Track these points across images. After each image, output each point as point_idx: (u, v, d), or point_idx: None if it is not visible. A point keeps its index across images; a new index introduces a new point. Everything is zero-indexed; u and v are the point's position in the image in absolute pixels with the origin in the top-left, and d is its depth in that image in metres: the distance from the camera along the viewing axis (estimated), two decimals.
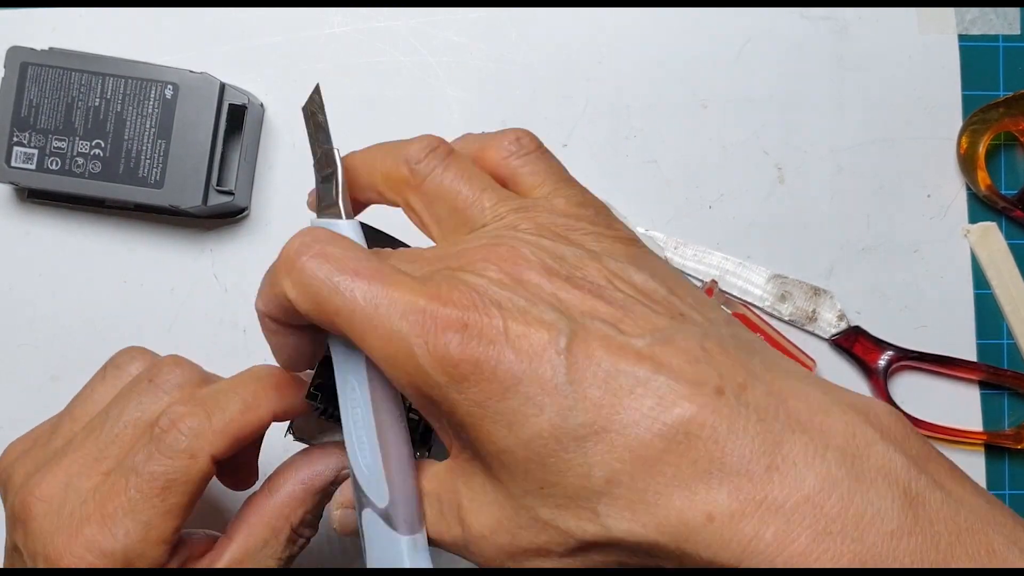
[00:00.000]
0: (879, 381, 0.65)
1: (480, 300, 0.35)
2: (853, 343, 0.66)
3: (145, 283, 0.66)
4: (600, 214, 0.42)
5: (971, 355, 0.67)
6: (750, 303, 0.67)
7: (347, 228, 0.40)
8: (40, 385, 0.66)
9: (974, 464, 0.66)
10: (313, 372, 0.45)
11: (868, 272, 0.67)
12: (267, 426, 0.45)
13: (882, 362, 0.66)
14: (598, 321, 0.34)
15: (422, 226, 0.43)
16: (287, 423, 0.48)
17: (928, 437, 0.65)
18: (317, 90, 0.43)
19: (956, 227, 0.67)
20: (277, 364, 0.44)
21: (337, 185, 0.41)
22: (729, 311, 0.65)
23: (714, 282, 0.66)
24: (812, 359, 0.65)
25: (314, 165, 0.43)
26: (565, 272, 0.36)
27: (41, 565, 0.43)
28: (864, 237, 0.67)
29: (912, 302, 0.67)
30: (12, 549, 0.46)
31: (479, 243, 0.38)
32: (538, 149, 0.44)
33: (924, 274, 0.67)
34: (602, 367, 0.33)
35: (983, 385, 0.67)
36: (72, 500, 0.44)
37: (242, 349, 0.65)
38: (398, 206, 0.44)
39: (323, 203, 0.42)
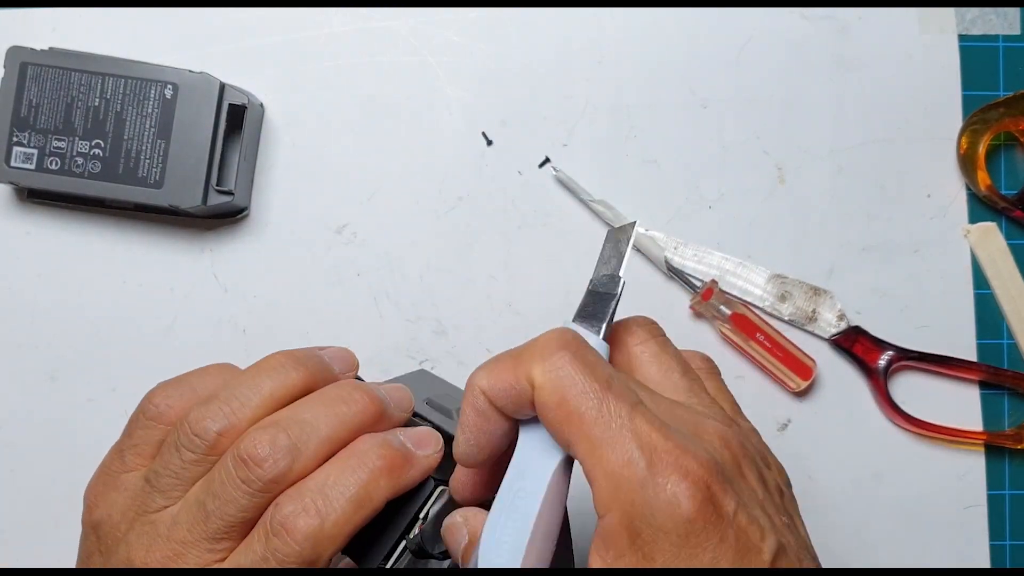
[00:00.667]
0: (879, 381, 0.65)
1: (721, 475, 0.36)
2: (853, 343, 0.66)
3: (144, 283, 0.66)
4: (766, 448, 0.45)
5: (971, 355, 0.67)
6: (750, 303, 0.66)
7: (600, 347, 0.41)
8: (39, 384, 0.66)
9: (974, 464, 0.66)
10: None
11: (868, 272, 0.67)
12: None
13: (882, 362, 0.65)
14: (790, 548, 0.37)
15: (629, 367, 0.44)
16: None
17: (928, 437, 0.66)
18: (633, 225, 0.45)
19: (956, 227, 0.67)
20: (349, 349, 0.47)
21: (612, 309, 0.43)
22: (729, 311, 0.65)
23: (714, 282, 0.65)
24: (812, 359, 0.65)
25: (594, 280, 0.44)
26: (767, 488, 0.39)
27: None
28: (864, 237, 0.67)
29: (912, 302, 0.67)
30: None
31: (712, 422, 0.39)
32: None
33: (924, 274, 0.67)
34: None
35: (983, 385, 0.67)
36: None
37: (241, 349, 0.65)
38: None
39: (585, 312, 0.43)
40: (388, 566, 0.43)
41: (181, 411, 0.45)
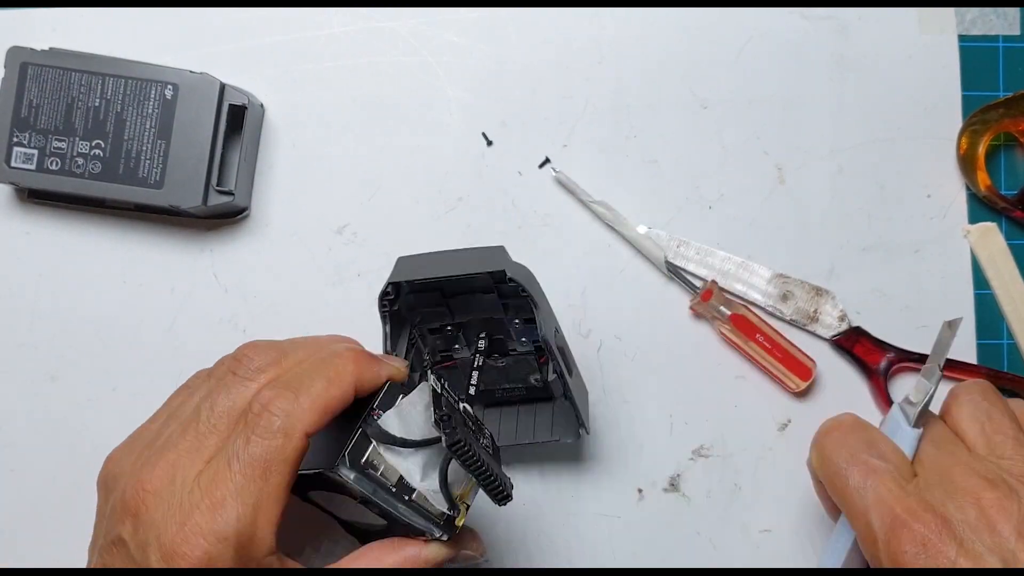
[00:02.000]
0: (879, 381, 0.65)
1: (945, 531, 0.45)
2: (854, 344, 0.66)
3: (145, 283, 0.66)
4: None
5: (971, 356, 0.67)
6: (752, 303, 0.66)
7: (910, 435, 0.51)
8: (40, 385, 0.66)
9: None
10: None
11: (869, 272, 0.67)
12: (351, 398, 0.48)
13: (883, 363, 0.65)
14: None
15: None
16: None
17: None
18: (959, 321, 0.53)
19: (956, 227, 0.67)
20: (346, 335, 0.53)
21: (926, 400, 0.51)
22: (728, 312, 0.65)
23: (714, 283, 0.66)
24: (812, 360, 0.65)
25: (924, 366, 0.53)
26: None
27: (154, 553, 0.45)
28: (865, 237, 0.67)
29: (912, 302, 0.67)
30: (114, 542, 0.47)
31: (975, 477, 0.47)
32: None
33: (924, 274, 0.67)
34: None
35: None
36: (180, 490, 0.45)
37: None
38: None
39: (908, 399, 0.53)
40: (346, 452, 0.47)
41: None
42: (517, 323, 0.58)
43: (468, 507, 0.50)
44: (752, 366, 0.66)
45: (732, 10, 0.68)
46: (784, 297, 0.67)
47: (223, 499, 0.44)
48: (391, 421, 0.49)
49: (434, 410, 0.47)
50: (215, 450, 0.46)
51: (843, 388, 0.67)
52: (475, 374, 0.55)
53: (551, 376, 0.59)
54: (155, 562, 0.45)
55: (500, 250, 0.56)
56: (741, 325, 0.65)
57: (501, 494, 0.50)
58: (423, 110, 0.67)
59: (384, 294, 0.53)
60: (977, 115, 0.66)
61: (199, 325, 0.66)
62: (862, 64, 0.68)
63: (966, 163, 0.67)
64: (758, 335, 0.65)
